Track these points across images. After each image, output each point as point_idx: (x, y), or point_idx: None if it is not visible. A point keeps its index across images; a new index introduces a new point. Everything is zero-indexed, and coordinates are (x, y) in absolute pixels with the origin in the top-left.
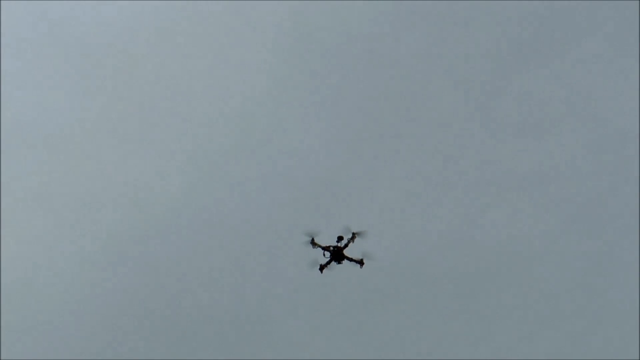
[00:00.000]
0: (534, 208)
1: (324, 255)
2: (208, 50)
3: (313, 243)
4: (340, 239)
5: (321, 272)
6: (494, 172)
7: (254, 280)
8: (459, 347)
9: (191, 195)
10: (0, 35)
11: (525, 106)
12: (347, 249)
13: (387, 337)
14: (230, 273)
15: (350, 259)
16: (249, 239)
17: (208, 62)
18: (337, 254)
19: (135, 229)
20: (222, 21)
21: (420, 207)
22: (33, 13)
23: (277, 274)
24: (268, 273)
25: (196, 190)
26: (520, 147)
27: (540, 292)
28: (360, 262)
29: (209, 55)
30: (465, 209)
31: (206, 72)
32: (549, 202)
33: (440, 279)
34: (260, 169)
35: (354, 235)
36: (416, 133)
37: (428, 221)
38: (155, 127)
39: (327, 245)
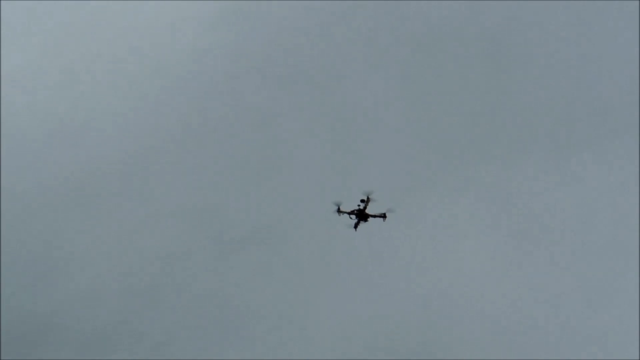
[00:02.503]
0: None
1: (350, 218)
2: None
3: (339, 211)
4: (362, 201)
5: (355, 229)
6: None
7: None
8: None
9: None
10: (0, 35)
11: None
12: (368, 208)
13: None
14: None
15: (374, 215)
16: None
17: None
18: (361, 215)
19: None
20: None
21: None
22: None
23: None
24: None
25: None
26: None
27: None
28: (383, 216)
29: None
30: None
31: None
32: None
33: None
34: None
35: (368, 199)
36: None
37: None
38: None
39: (351, 210)
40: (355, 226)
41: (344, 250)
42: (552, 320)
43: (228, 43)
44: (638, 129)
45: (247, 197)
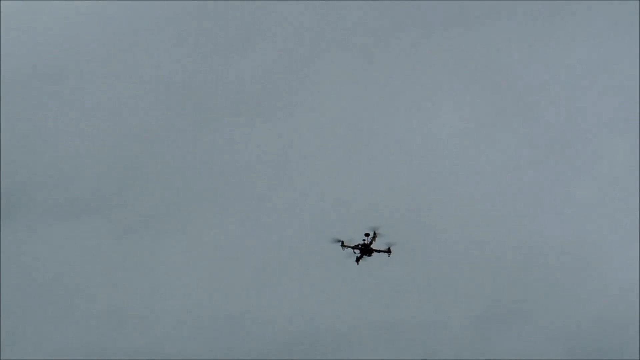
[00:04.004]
0: None
1: (354, 252)
2: None
3: (343, 245)
4: (367, 235)
5: (357, 263)
6: None
7: None
8: None
9: None
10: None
11: None
12: (373, 243)
13: None
14: None
15: (379, 251)
16: None
17: None
18: (365, 249)
19: None
20: None
21: None
22: None
23: None
24: None
25: None
26: None
27: None
28: (388, 251)
29: None
30: None
31: None
32: None
33: None
34: None
35: (375, 234)
36: None
37: None
38: None
39: (356, 244)
40: (357, 260)
41: (327, 122)
42: (531, 191)
43: None
44: None
45: (227, 69)
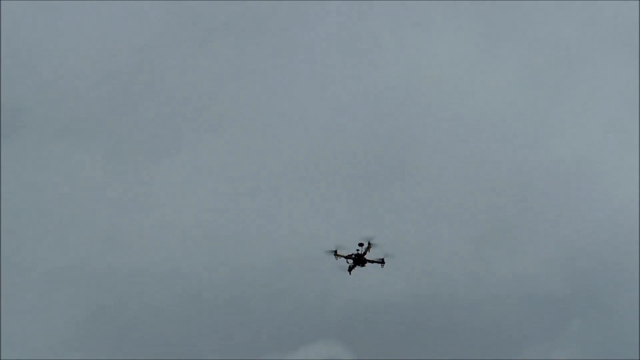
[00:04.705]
0: None
1: (347, 262)
2: None
3: (336, 255)
4: (360, 245)
5: (350, 273)
6: None
7: None
8: None
9: None
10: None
11: None
12: (367, 253)
13: None
14: None
15: (372, 261)
16: None
17: None
18: (359, 260)
19: None
20: None
21: None
22: None
23: None
24: None
25: None
26: None
27: None
28: (382, 262)
29: None
30: None
31: None
32: None
33: None
34: None
35: (369, 245)
36: None
37: None
38: None
39: (349, 254)
40: (350, 270)
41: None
42: (531, 110)
43: None
44: None
45: None
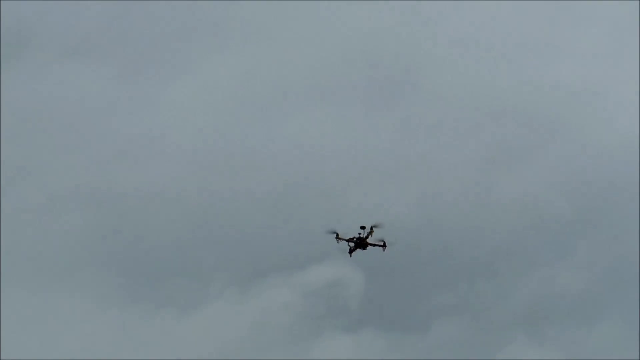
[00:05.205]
0: None
1: (348, 245)
2: None
3: (337, 238)
4: (362, 228)
5: (350, 255)
6: None
7: None
8: None
9: None
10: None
11: None
12: (369, 237)
13: None
14: None
15: (374, 244)
16: None
17: None
18: (360, 243)
19: None
20: None
21: None
22: None
23: None
24: None
25: None
26: None
27: None
28: (383, 245)
29: None
30: None
31: None
32: None
33: None
34: None
35: (372, 229)
36: None
37: None
38: None
39: (351, 237)
40: (351, 252)
41: None
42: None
43: None
44: None
45: None
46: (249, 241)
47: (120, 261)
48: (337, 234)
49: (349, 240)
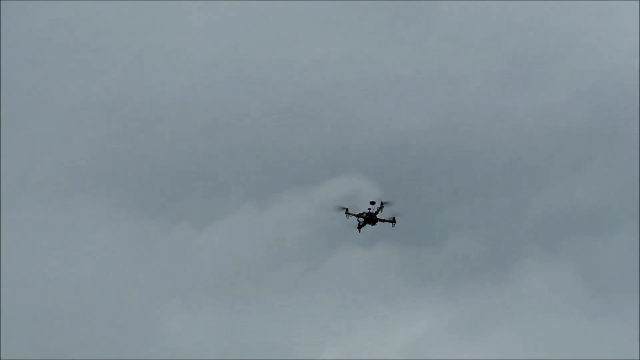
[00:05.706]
0: None
1: (357, 221)
2: None
3: (347, 213)
4: (372, 203)
5: (359, 231)
6: None
7: None
8: None
9: None
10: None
11: None
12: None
13: None
14: None
15: (383, 220)
16: None
17: None
18: (370, 219)
19: None
20: None
21: None
22: None
23: None
24: None
25: None
26: None
27: None
28: (393, 221)
29: None
30: None
31: None
32: None
33: None
34: None
35: (382, 204)
36: None
37: None
38: None
39: (360, 212)
40: (359, 228)
41: None
42: None
43: None
44: None
45: None
46: (266, 155)
47: (135, 174)
48: (347, 210)
49: (358, 216)
